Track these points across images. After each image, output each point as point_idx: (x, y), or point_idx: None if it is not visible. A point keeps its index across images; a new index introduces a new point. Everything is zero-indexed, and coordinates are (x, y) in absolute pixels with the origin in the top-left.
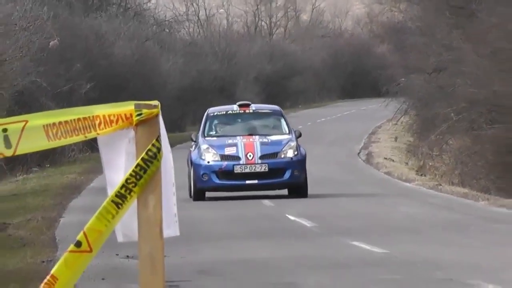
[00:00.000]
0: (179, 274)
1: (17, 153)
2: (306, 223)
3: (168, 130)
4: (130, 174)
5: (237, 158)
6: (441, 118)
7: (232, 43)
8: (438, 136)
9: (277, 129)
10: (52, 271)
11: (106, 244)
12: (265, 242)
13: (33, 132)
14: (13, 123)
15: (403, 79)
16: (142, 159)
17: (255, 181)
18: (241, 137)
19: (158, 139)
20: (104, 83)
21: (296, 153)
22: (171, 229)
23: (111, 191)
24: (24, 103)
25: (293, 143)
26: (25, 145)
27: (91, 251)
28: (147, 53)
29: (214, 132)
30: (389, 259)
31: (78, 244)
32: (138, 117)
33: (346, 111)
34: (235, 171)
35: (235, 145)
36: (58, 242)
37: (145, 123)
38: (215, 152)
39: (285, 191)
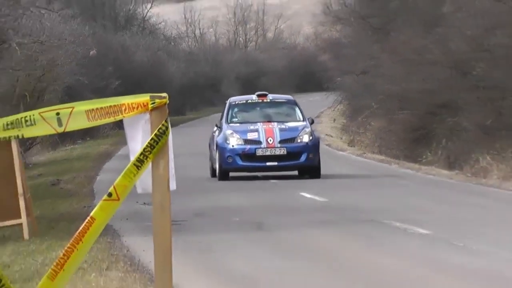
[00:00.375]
0: (181, 216)
1: (66, 130)
2: (274, 180)
3: (173, 114)
4: (146, 145)
5: (258, 142)
6: (365, 106)
7: (218, 53)
8: (363, 119)
9: (292, 117)
10: (91, 214)
11: (129, 195)
12: (244, 194)
13: (78, 115)
14: (64, 109)
15: (339, 78)
16: (155, 134)
17: (275, 163)
18: (261, 123)
19: (166, 120)
20: (128, 81)
21: (311, 138)
22: (172, 184)
23: (133, 157)
24: (72, 95)
25: (308, 129)
26: (72, 124)
27: (118, 199)
28: (159, 60)
29: (236, 119)
30: (328, 206)
31: (110, 194)
32: (152, 105)
33: (299, 101)
34: (257, 154)
35: (257, 130)
36: (95, 193)
37: (157, 109)
38: (239, 137)
39: (295, 172)
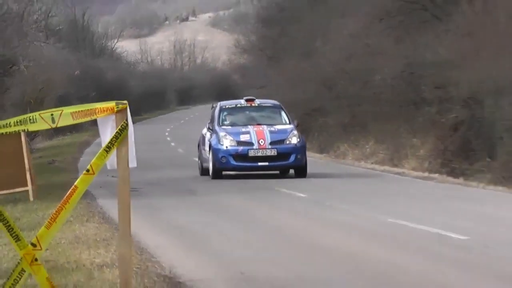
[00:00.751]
0: (138, 184)
1: (58, 126)
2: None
3: (133, 115)
4: (113, 137)
5: (251, 143)
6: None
7: (163, 73)
8: None
9: (279, 120)
10: (75, 183)
11: (101, 170)
12: (183, 170)
13: (65, 116)
14: (56, 111)
15: (246, 92)
16: (119, 129)
17: (266, 163)
18: (252, 126)
19: (126, 119)
20: (101, 92)
21: (299, 140)
22: (133, 163)
23: (104, 145)
24: (63, 102)
25: (296, 132)
26: (61, 122)
27: (94, 173)
28: (123, 78)
29: (227, 122)
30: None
31: (87, 170)
32: (117, 109)
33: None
34: (249, 155)
35: (248, 132)
36: (79, 169)
37: (120, 112)
38: (232, 139)
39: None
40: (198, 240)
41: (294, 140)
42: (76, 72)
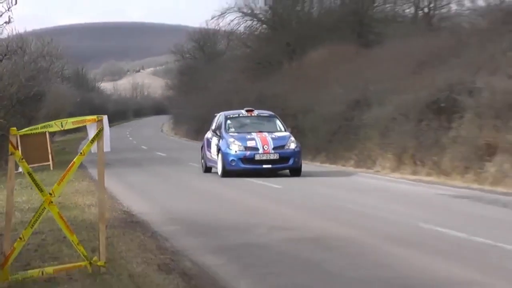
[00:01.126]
0: (110, 161)
1: (65, 128)
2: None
3: (110, 122)
4: (94, 135)
5: (256, 149)
6: (183, 119)
7: (126, 100)
8: (178, 123)
9: (276, 127)
10: (74, 160)
11: (89, 153)
12: (138, 153)
13: (69, 123)
14: (63, 121)
15: (173, 111)
16: (98, 130)
17: (269, 165)
18: (255, 133)
19: (102, 126)
20: (92, 111)
21: (296, 145)
22: (107, 149)
23: (90, 139)
24: (70, 116)
25: (293, 138)
26: (67, 126)
27: (84, 154)
28: (104, 102)
29: (233, 129)
30: (169, 158)
31: (81, 153)
32: (98, 119)
33: (159, 118)
34: (256, 158)
35: (254, 139)
36: (78, 152)
37: (99, 121)
38: (240, 144)
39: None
40: (144, 191)
41: (293, 146)
42: (77, 99)
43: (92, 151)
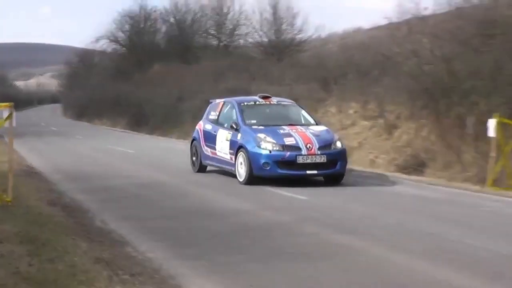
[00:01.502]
0: (18, 133)
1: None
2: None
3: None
4: (7, 116)
5: (298, 148)
6: (70, 106)
7: None
8: (69, 111)
9: (305, 120)
10: None
11: (3, 128)
12: (97, 140)
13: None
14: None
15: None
16: (10, 113)
17: (315, 171)
18: (287, 126)
19: (12, 111)
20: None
21: (341, 144)
22: (14, 124)
23: (4, 118)
24: None
25: (337, 135)
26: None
27: None
28: None
29: (254, 121)
30: (136, 156)
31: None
32: (9, 105)
33: (55, 105)
34: (298, 162)
35: (290, 135)
36: None
37: (10, 107)
38: (275, 142)
39: None
40: (41, 153)
41: (339, 145)
42: None
43: (6, 126)
